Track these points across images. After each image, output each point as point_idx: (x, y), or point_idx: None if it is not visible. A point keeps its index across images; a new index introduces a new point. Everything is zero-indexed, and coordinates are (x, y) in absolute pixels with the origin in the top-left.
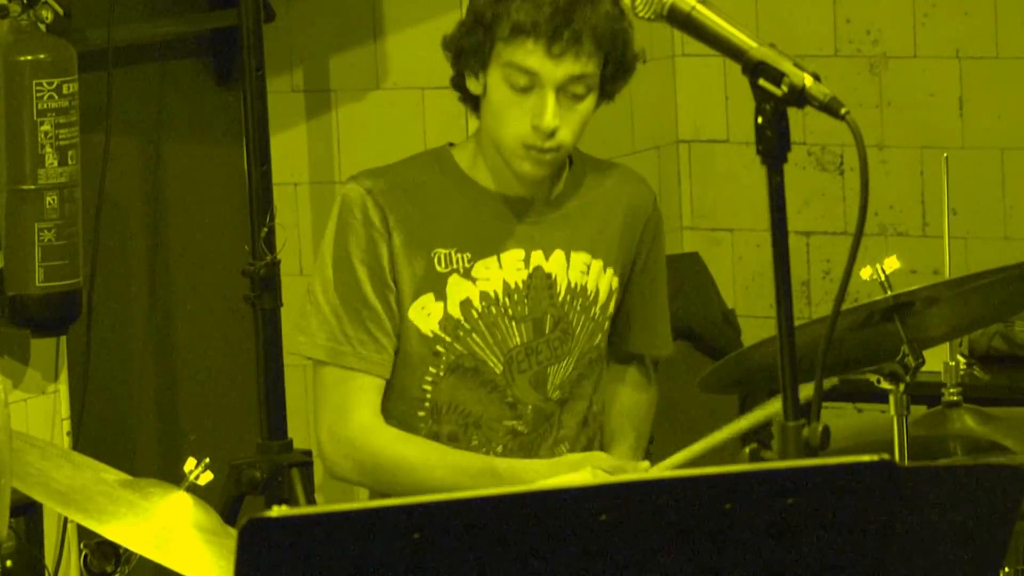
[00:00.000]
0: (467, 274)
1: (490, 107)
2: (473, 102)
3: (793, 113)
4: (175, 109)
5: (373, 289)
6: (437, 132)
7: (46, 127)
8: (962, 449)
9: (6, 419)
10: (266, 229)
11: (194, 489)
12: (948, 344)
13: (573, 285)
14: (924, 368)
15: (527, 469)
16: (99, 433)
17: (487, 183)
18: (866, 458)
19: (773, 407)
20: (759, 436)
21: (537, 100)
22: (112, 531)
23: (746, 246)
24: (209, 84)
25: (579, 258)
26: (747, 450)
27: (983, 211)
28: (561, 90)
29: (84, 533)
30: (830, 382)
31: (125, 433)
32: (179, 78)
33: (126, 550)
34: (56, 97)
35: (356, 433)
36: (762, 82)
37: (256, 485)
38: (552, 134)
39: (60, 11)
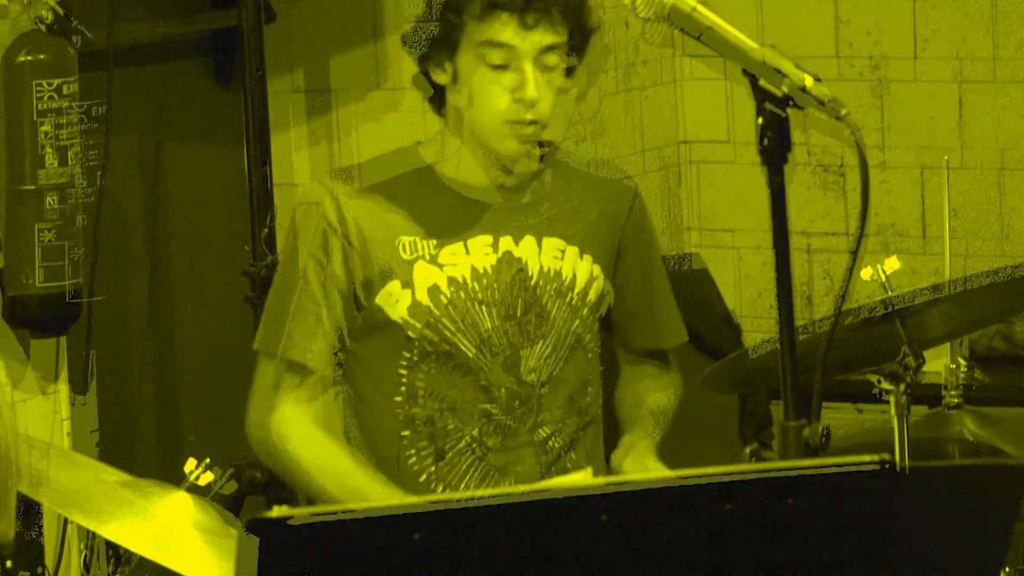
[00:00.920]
0: (433, 260)
1: (465, 91)
2: (439, 98)
3: (793, 113)
4: (175, 109)
5: (318, 283)
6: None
7: (46, 127)
8: (960, 454)
9: (13, 421)
10: (266, 230)
11: (207, 492)
12: (948, 345)
13: (546, 270)
14: (924, 368)
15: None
16: (99, 433)
17: (454, 174)
18: (866, 459)
19: None
20: (759, 436)
21: (515, 74)
22: (112, 531)
23: (747, 247)
24: (210, 84)
25: (552, 243)
26: (747, 450)
27: (982, 214)
28: (536, 62)
29: (84, 533)
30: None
31: (125, 433)
32: (179, 78)
33: (126, 550)
34: (56, 97)
35: (274, 425)
36: (763, 83)
37: (256, 485)
38: (534, 104)
39: (60, 11)
